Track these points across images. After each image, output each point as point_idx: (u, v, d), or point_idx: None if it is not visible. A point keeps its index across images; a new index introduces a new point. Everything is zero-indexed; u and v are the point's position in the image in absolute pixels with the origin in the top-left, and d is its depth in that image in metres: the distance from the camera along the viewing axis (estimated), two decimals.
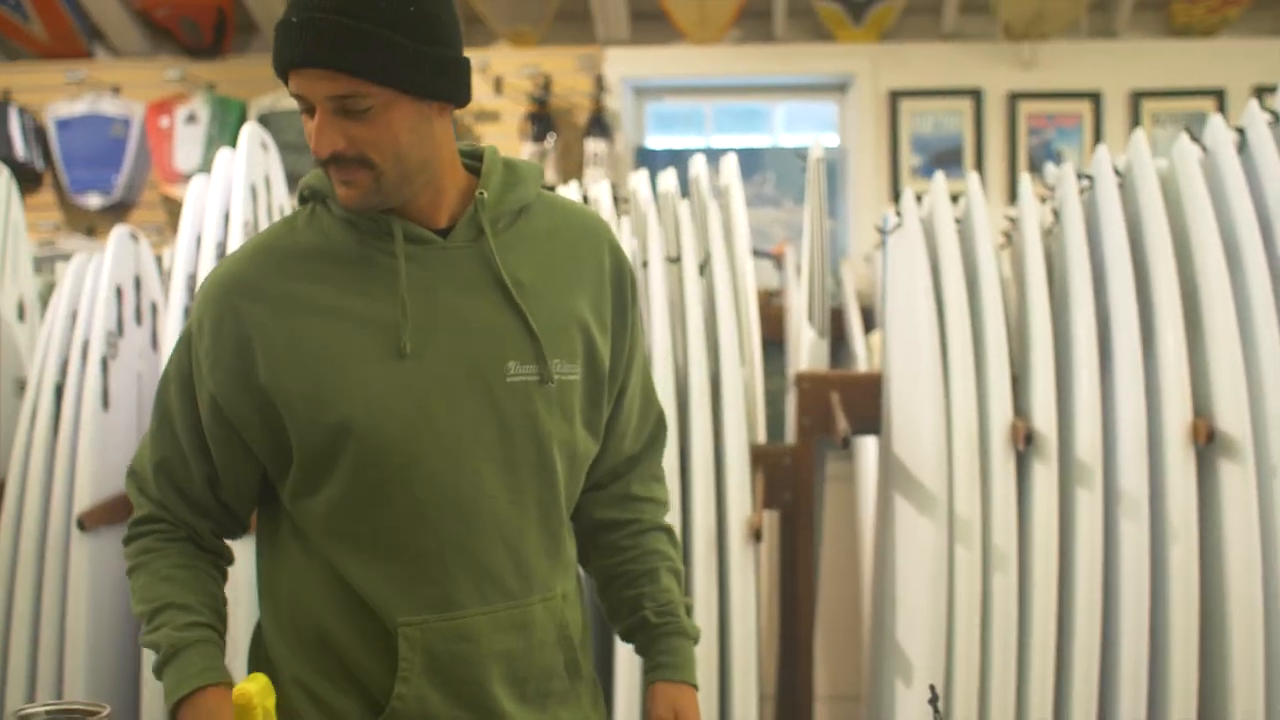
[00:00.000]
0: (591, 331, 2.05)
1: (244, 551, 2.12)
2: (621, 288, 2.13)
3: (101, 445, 3.56)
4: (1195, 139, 3.48)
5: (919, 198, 4.03)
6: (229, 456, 1.97)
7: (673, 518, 3.40)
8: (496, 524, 1.95)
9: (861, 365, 5.19)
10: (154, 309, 3.91)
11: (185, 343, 2.00)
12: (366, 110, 1.83)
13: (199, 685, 1.90)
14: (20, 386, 3.91)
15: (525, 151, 6.23)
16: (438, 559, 1.91)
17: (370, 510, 1.91)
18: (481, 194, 1.99)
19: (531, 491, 1.98)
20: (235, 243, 3.58)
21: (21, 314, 4.02)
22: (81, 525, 3.45)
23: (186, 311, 3.59)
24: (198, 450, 1.98)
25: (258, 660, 2.06)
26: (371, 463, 1.90)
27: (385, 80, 1.82)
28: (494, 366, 1.94)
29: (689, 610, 2.21)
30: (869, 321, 5.58)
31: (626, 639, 2.22)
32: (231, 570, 2.11)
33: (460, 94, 1.94)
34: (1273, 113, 3.38)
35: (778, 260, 6.06)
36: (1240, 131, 3.42)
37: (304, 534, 1.97)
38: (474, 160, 2.05)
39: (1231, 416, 3.14)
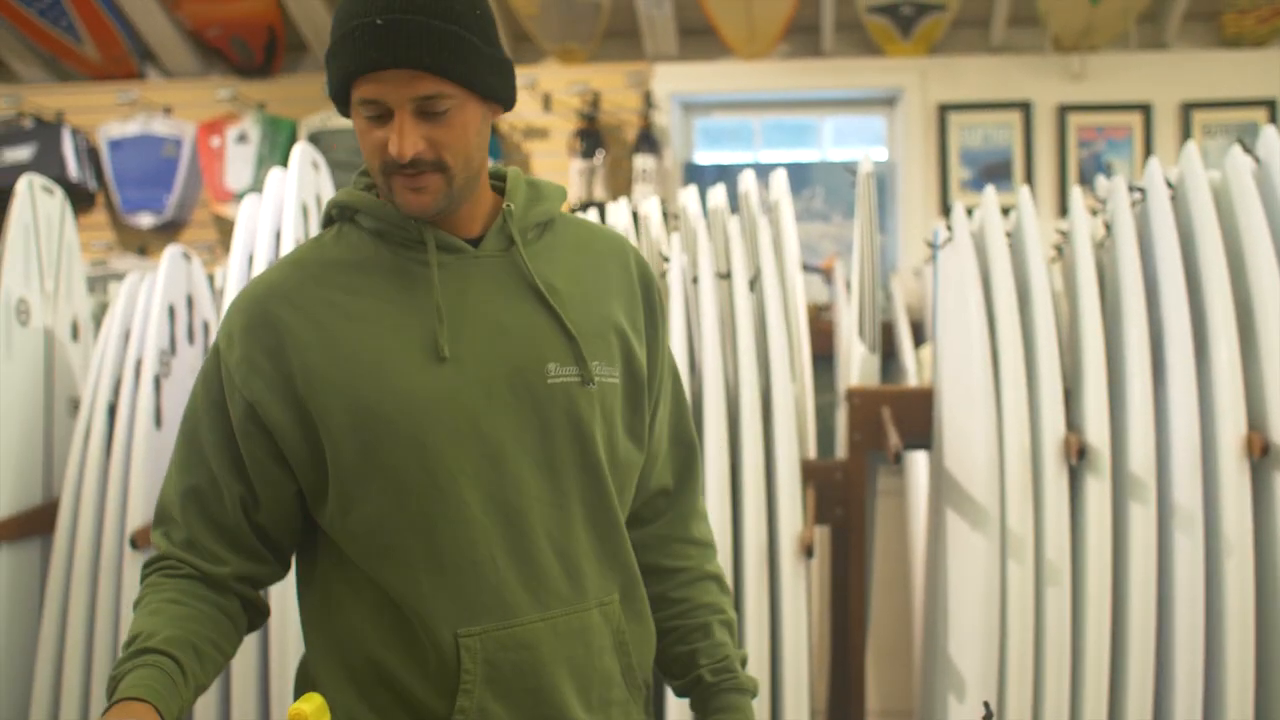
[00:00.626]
0: (628, 336, 2.06)
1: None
2: (650, 299, 2.13)
3: (154, 464, 3.58)
4: (1248, 150, 3.46)
5: (969, 212, 4.02)
6: (266, 473, 1.94)
7: (723, 534, 3.42)
8: (544, 527, 1.93)
9: (911, 379, 5.17)
10: (206, 328, 3.94)
11: (214, 360, 1.98)
12: (445, 112, 1.85)
13: (115, 701, 1.77)
14: (74, 406, 3.95)
15: (574, 168, 6.24)
16: (490, 565, 1.89)
17: (415, 520, 1.89)
18: (509, 206, 2.01)
19: (576, 493, 1.97)
20: None
21: (75, 334, 4.06)
22: (134, 544, 3.47)
23: None
24: (231, 469, 1.94)
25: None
26: (413, 469, 1.88)
27: (465, 80, 1.86)
28: (534, 368, 1.94)
29: (744, 662, 2.18)
30: (918, 335, 5.56)
31: (681, 695, 2.20)
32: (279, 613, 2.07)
33: (513, 96, 1.99)
34: None
35: (827, 275, 6.05)
36: None
37: (346, 562, 1.94)
38: (498, 180, 2.07)
39: None
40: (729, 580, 3.08)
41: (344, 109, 1.92)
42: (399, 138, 1.83)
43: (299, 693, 2.01)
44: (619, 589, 2.03)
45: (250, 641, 3.42)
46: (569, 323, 1.97)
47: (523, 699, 1.91)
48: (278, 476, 1.95)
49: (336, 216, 2.02)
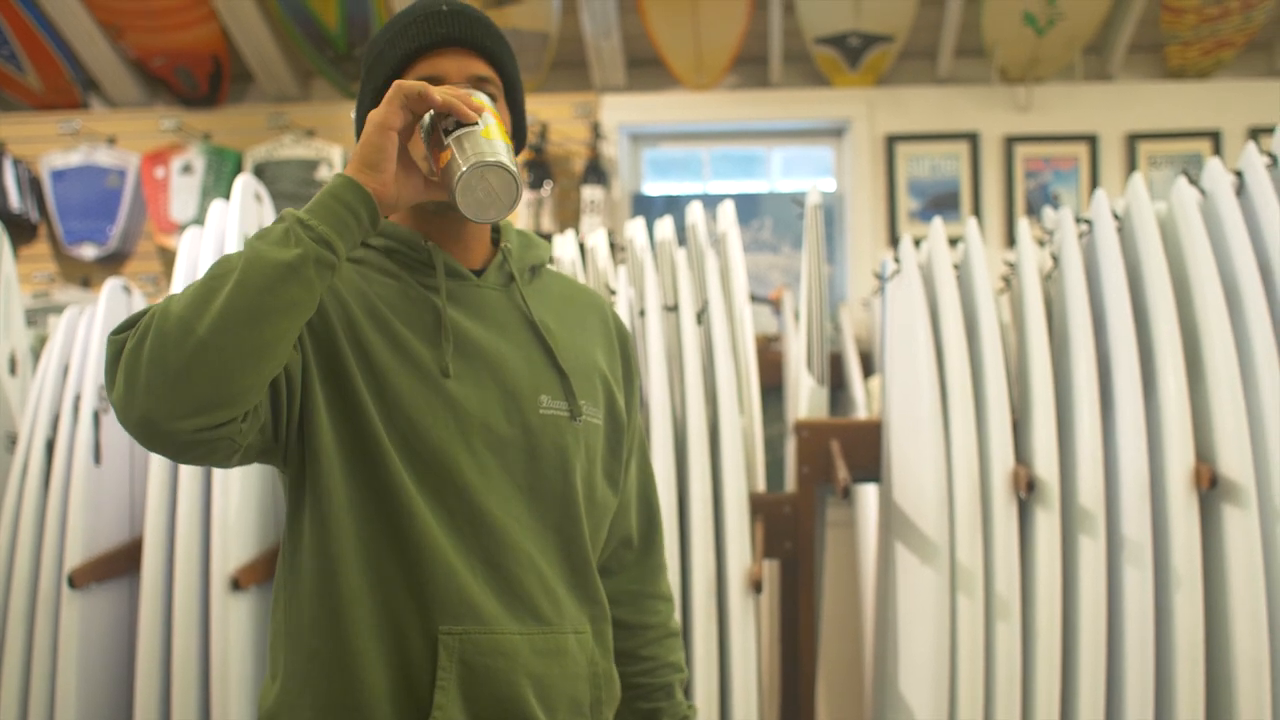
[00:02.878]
0: (610, 382, 2.15)
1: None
2: (627, 356, 2.23)
3: (93, 501, 3.52)
4: (1193, 182, 3.46)
5: (917, 243, 4.01)
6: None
7: (671, 568, 3.39)
8: (525, 549, 1.97)
9: (860, 411, 5.16)
10: None
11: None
12: (493, 97, 2.00)
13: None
14: (12, 441, 3.88)
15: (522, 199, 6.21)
16: (470, 574, 1.91)
17: (400, 516, 1.90)
18: (507, 246, 2.11)
19: (552, 521, 2.02)
20: None
21: (14, 368, 3.99)
22: (72, 583, 3.41)
23: None
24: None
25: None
26: (405, 470, 1.91)
27: (508, 78, 2.07)
28: (529, 396, 2.01)
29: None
30: (867, 367, 5.56)
31: None
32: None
33: (524, 127, 2.15)
34: (1271, 155, 3.36)
35: (775, 305, 6.05)
36: (1239, 174, 3.40)
37: (330, 544, 1.90)
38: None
39: (1234, 461, 3.11)
40: (678, 614, 3.08)
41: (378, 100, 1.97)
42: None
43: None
44: (590, 622, 2.07)
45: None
46: (561, 360, 2.05)
47: (491, 706, 1.91)
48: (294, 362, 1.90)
49: None
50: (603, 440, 2.13)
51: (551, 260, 2.30)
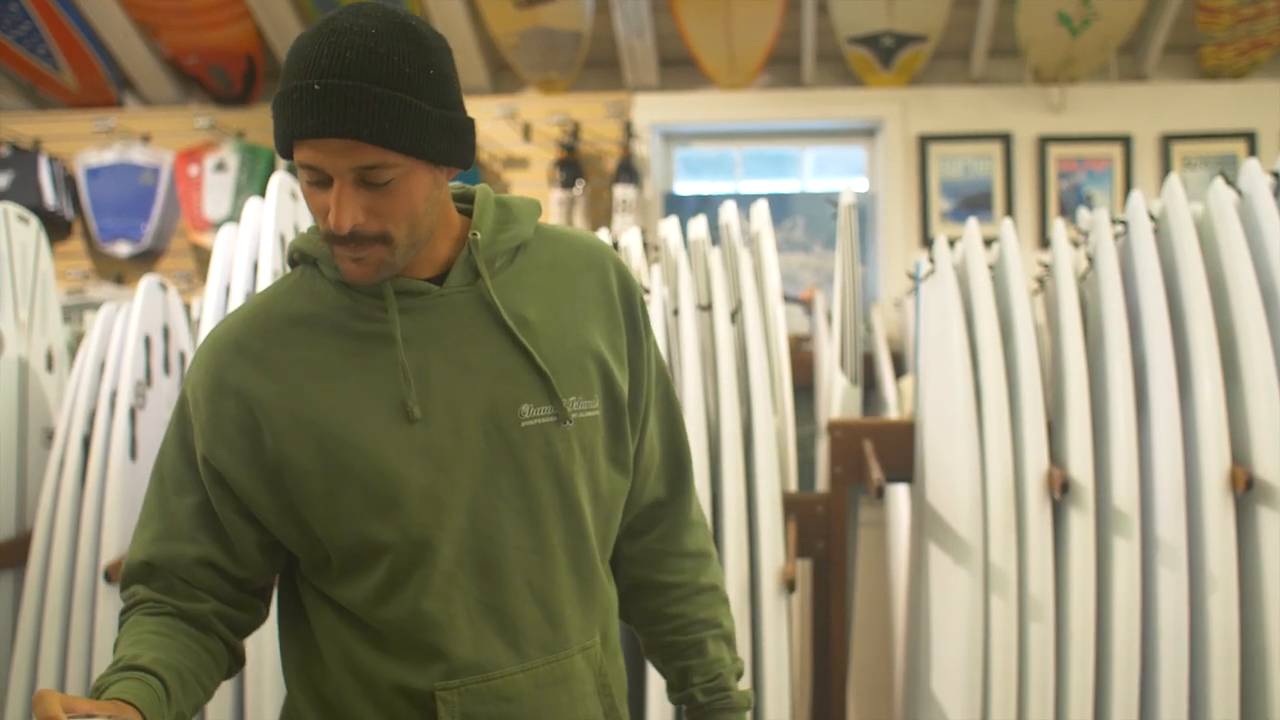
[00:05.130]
0: (608, 363, 1.99)
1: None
2: (633, 314, 2.06)
3: (129, 496, 3.53)
4: (1230, 183, 3.45)
5: (952, 244, 4.01)
6: (237, 528, 1.89)
7: None
8: (524, 576, 1.88)
9: (892, 411, 5.16)
10: (182, 358, 3.90)
11: (181, 412, 1.93)
12: (388, 182, 1.75)
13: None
14: (49, 437, 3.91)
15: (554, 198, 6.24)
16: (465, 621, 1.85)
17: (390, 580, 1.84)
18: (474, 235, 1.92)
19: (557, 537, 1.92)
20: None
21: (50, 364, 4.02)
22: (109, 577, 3.42)
23: None
24: (204, 524, 1.89)
25: None
26: (388, 531, 1.83)
27: (411, 150, 1.75)
28: (507, 412, 1.87)
29: (739, 674, 2.16)
30: (899, 367, 5.55)
31: (676, 705, 2.20)
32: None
33: (469, 157, 1.87)
34: None
35: (807, 305, 6.04)
36: (1276, 175, 3.39)
37: (324, 612, 1.90)
38: (466, 203, 1.99)
39: (1270, 463, 3.10)
40: None
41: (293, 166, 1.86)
42: (337, 210, 1.75)
43: None
44: (599, 631, 1.99)
45: (227, 687, 3.38)
46: (541, 360, 1.90)
47: None
48: (248, 531, 1.90)
49: (298, 261, 1.96)
50: (602, 428, 1.98)
51: (538, 228, 2.04)
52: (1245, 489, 3.12)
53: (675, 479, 2.17)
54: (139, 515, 1.95)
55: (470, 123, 1.87)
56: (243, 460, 1.85)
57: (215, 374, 1.88)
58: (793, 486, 3.81)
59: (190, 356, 3.89)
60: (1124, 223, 3.58)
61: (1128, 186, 6.37)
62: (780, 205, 6.52)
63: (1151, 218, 3.52)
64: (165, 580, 1.88)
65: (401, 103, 1.73)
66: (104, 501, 3.53)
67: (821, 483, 4.16)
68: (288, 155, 1.78)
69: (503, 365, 1.89)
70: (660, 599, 2.15)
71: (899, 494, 4.88)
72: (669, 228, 4.19)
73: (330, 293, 1.90)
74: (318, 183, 1.77)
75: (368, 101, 1.71)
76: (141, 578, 1.90)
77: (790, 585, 3.47)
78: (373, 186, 1.75)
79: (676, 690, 2.16)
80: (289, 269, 1.99)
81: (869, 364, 5.67)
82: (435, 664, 1.84)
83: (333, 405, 1.84)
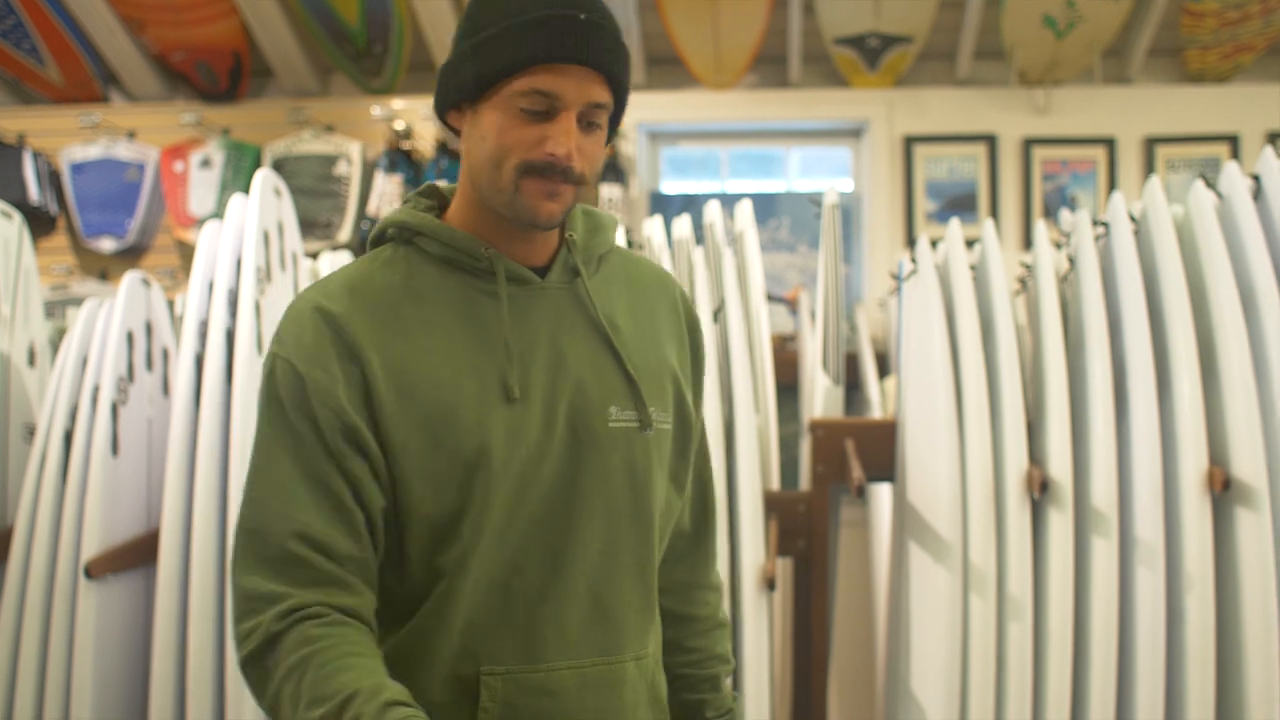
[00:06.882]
0: (680, 381, 2.01)
1: None
2: (697, 347, 2.09)
3: (111, 492, 3.53)
4: (1210, 185, 3.47)
5: (934, 244, 4.02)
6: (369, 494, 1.79)
7: None
8: (586, 575, 1.86)
9: (876, 411, 5.17)
10: (165, 354, 3.90)
11: (290, 382, 1.80)
12: (599, 126, 1.83)
13: None
14: (30, 432, 3.90)
15: None
16: (524, 608, 1.82)
17: (460, 557, 1.80)
18: (571, 236, 1.94)
19: (628, 543, 1.91)
20: (247, 289, 3.56)
21: (32, 359, 4.01)
22: (89, 573, 3.42)
23: (198, 359, 3.57)
24: (342, 494, 1.77)
25: None
26: (472, 509, 1.80)
27: (620, 103, 1.86)
28: (596, 411, 1.88)
29: (740, 715, 2.21)
30: (883, 367, 5.56)
31: None
32: None
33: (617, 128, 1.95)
34: None
35: (791, 305, 6.05)
36: (1255, 178, 3.40)
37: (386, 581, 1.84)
38: None
39: (1247, 464, 3.11)
40: None
41: (472, 98, 1.83)
42: (565, 138, 1.78)
43: None
44: (653, 640, 1.99)
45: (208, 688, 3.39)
46: (630, 365, 1.91)
47: None
48: (377, 496, 1.80)
49: (393, 237, 1.94)
50: (670, 444, 1.99)
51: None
52: (1223, 489, 3.13)
53: (702, 513, 2.19)
54: (254, 501, 1.81)
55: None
56: (365, 422, 1.79)
57: (329, 336, 1.81)
58: (775, 485, 3.82)
59: (173, 352, 3.88)
60: (1105, 224, 3.59)
61: (1112, 189, 6.38)
62: (766, 205, 6.52)
63: (1132, 219, 3.54)
64: (316, 570, 1.75)
65: (629, 59, 1.86)
66: (85, 497, 3.52)
67: (804, 481, 4.17)
68: (494, 81, 1.80)
69: (595, 364, 1.90)
70: (683, 630, 2.16)
71: (882, 494, 4.89)
72: (653, 226, 4.20)
73: (432, 270, 1.89)
74: (538, 112, 1.79)
75: (618, 47, 1.83)
76: (285, 565, 1.74)
77: (770, 583, 3.48)
78: (587, 127, 1.82)
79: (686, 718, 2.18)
80: (377, 246, 1.97)
81: (853, 364, 5.69)
82: (486, 646, 1.81)
83: (438, 384, 1.81)
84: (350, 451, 1.78)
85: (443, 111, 1.91)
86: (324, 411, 1.78)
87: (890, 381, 5.05)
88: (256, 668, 1.72)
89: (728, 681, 2.19)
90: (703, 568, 2.19)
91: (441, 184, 2.01)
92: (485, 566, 1.81)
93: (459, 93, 1.85)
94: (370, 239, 1.98)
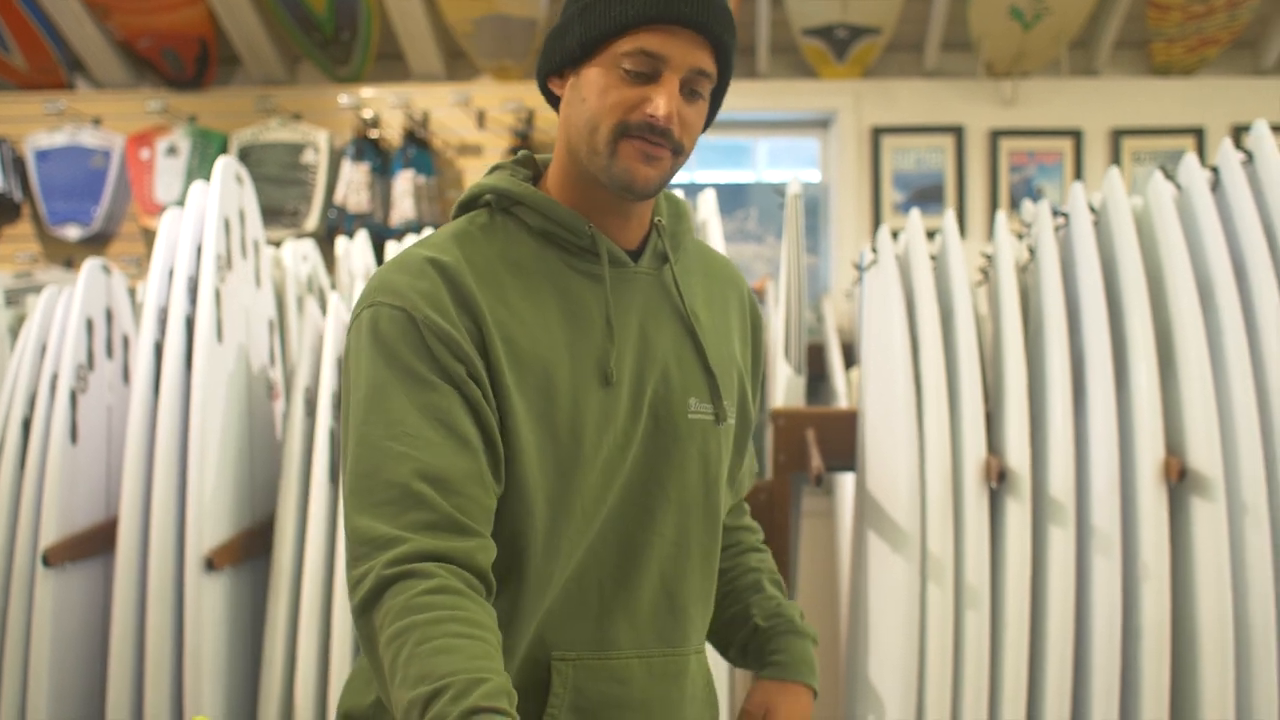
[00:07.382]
0: (744, 378, 2.00)
1: None
2: (758, 342, 2.07)
3: (69, 480, 3.52)
4: (1170, 177, 3.48)
5: (895, 234, 4.03)
6: (492, 436, 1.72)
7: None
8: (659, 565, 1.86)
9: (842, 401, 5.18)
10: (125, 342, 3.88)
11: (404, 326, 1.73)
12: (701, 96, 1.80)
13: None
14: None
15: None
16: (598, 594, 1.82)
17: (540, 536, 1.76)
18: (659, 221, 1.92)
19: (697, 535, 1.90)
20: (207, 276, 3.55)
21: None
22: (46, 561, 3.41)
23: (157, 346, 3.56)
24: (465, 433, 1.70)
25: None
26: (559, 487, 1.77)
27: (724, 75, 1.83)
28: (678, 401, 1.86)
29: (801, 616, 2.11)
30: (850, 357, 5.58)
31: (741, 661, 2.12)
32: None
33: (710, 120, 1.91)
34: (1247, 152, 3.38)
35: (759, 296, 6.06)
36: (1214, 170, 3.42)
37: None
38: None
39: (1203, 454, 3.13)
40: None
41: (575, 61, 1.80)
42: (668, 100, 1.74)
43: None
44: (705, 638, 1.99)
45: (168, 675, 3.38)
46: (710, 357, 1.90)
47: None
48: (499, 443, 1.74)
49: (489, 204, 1.88)
50: (733, 439, 1.97)
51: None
52: (1179, 479, 3.15)
53: (744, 483, 2.15)
54: (362, 443, 1.72)
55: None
56: (480, 372, 1.73)
57: (443, 286, 1.75)
58: None
59: (134, 340, 3.86)
60: (1065, 215, 3.60)
61: (1078, 180, 6.40)
62: (734, 196, 6.53)
63: (1092, 210, 3.55)
64: (435, 513, 1.65)
65: (736, 34, 1.83)
66: (43, 485, 3.51)
67: (768, 472, 4.18)
68: (600, 41, 1.77)
69: (678, 354, 1.88)
70: (724, 554, 2.10)
71: (847, 485, 4.90)
72: None
73: (530, 241, 1.84)
74: (641, 74, 1.76)
75: (728, 17, 1.79)
76: (399, 505, 1.65)
77: None
78: (689, 95, 1.78)
79: (735, 635, 2.10)
80: (473, 211, 1.91)
81: (820, 354, 5.70)
82: (558, 631, 1.80)
83: (540, 356, 1.77)
84: (476, 392, 1.72)
85: (545, 77, 1.87)
86: (443, 351, 1.71)
87: (856, 372, 5.07)
88: (365, 620, 1.63)
89: (777, 589, 2.12)
90: (732, 515, 2.16)
91: (536, 155, 1.96)
92: (571, 551, 1.79)
93: (563, 56, 1.82)
94: (461, 203, 1.92)
